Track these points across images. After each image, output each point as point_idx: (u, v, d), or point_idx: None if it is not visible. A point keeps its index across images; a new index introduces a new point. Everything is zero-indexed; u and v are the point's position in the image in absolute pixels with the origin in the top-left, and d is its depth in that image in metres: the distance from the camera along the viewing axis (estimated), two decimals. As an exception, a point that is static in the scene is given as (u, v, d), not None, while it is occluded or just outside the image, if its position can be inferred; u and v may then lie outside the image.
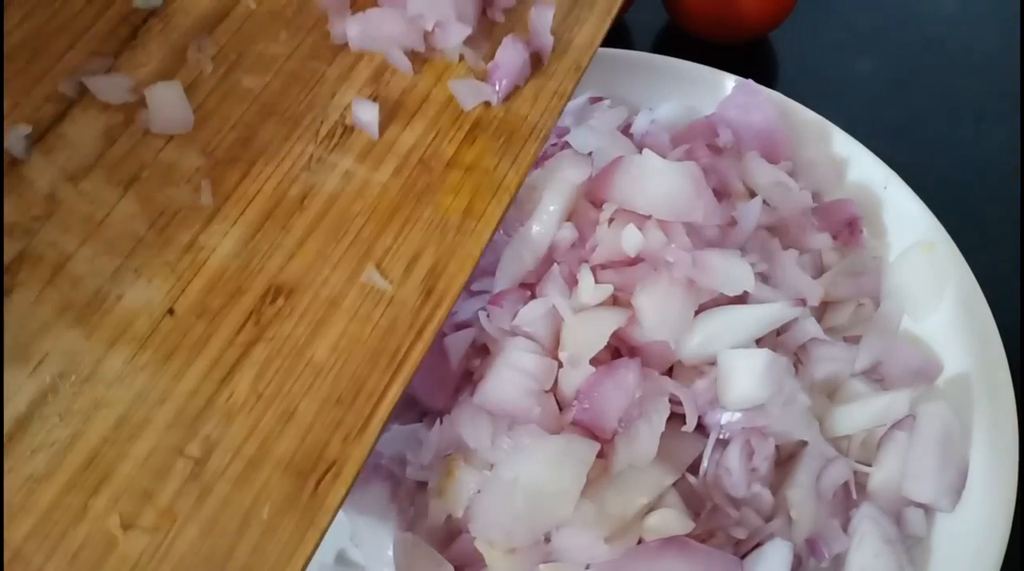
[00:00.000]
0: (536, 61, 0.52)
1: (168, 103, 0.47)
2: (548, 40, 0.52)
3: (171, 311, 0.43)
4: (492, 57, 0.51)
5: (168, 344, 0.42)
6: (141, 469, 0.39)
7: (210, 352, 0.42)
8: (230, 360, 0.42)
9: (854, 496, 0.51)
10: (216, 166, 0.47)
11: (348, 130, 0.49)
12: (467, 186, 0.48)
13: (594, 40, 0.53)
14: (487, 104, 0.51)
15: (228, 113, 0.49)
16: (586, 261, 0.51)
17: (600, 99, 0.66)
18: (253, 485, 0.39)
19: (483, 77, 0.51)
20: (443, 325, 0.45)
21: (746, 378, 0.48)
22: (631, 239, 0.50)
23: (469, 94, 0.50)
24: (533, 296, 0.50)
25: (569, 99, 0.52)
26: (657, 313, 0.49)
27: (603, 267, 0.51)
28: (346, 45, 0.52)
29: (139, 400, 0.40)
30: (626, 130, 0.64)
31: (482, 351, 0.51)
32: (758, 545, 0.47)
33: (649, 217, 0.51)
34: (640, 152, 0.53)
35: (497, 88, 0.51)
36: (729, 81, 0.66)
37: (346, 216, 0.46)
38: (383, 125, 0.49)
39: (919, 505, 0.50)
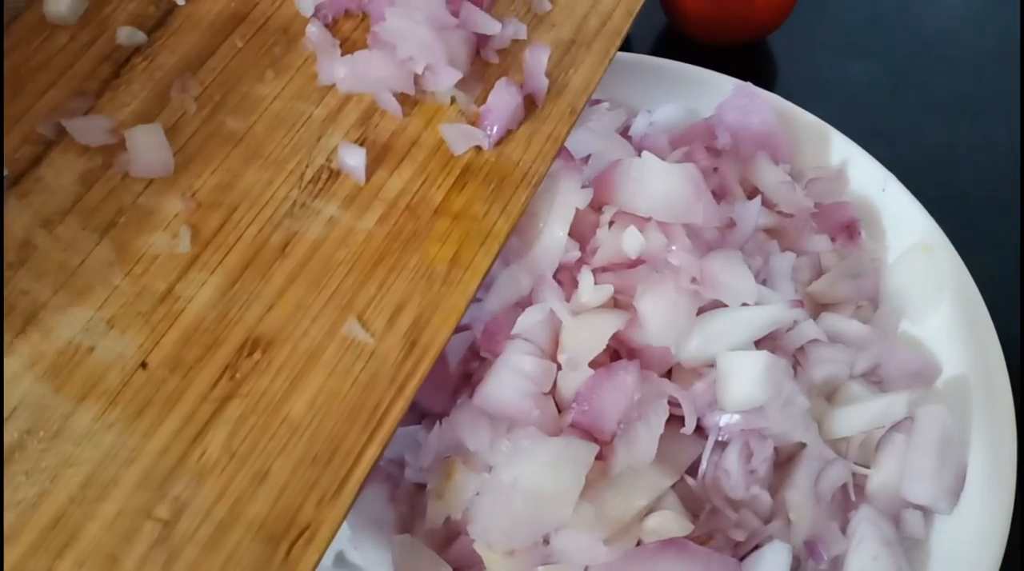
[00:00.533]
0: (530, 104, 0.51)
1: (148, 147, 0.46)
2: (543, 83, 0.51)
3: (144, 365, 0.41)
4: (485, 99, 0.50)
5: (139, 400, 0.41)
6: (108, 531, 0.38)
7: (183, 408, 0.41)
8: (203, 417, 0.41)
9: (853, 498, 0.51)
10: (196, 211, 0.46)
11: (334, 175, 0.48)
12: (455, 234, 0.47)
13: (590, 83, 0.52)
14: (478, 148, 0.49)
15: (210, 156, 0.47)
16: (586, 264, 0.51)
17: (599, 101, 0.65)
18: (223, 550, 0.38)
19: (475, 120, 0.50)
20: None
21: (745, 380, 0.48)
22: (632, 241, 0.50)
23: (460, 138, 0.49)
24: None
25: (563, 143, 0.51)
26: (662, 319, 0.49)
27: (603, 270, 0.51)
28: (334, 86, 0.50)
29: (108, 459, 0.39)
30: (625, 132, 0.64)
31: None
32: (757, 547, 0.48)
33: (649, 219, 0.51)
34: (639, 154, 0.53)
35: (489, 132, 0.49)
36: (728, 84, 0.65)
37: (329, 265, 0.45)
38: (370, 169, 0.48)
39: (917, 507, 0.50)
